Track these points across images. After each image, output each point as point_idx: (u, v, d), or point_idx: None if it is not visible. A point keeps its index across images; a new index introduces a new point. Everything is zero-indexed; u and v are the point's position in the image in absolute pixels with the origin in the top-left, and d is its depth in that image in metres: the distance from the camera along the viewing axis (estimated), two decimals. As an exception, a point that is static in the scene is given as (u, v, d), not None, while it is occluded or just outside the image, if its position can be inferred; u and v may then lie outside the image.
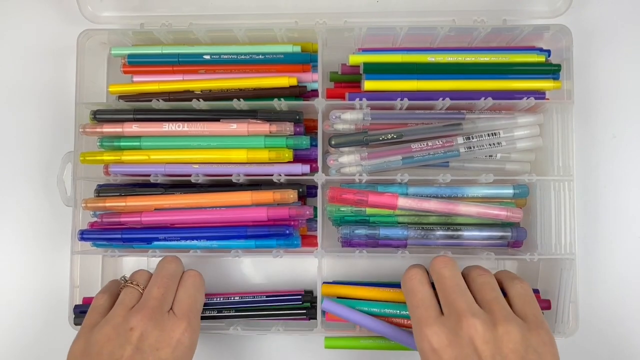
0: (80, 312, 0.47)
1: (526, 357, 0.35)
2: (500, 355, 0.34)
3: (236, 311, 0.47)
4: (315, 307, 0.47)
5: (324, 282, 0.47)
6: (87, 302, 0.47)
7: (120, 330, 0.39)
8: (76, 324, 0.47)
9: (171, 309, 0.42)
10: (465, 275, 0.42)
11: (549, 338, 0.37)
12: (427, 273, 0.43)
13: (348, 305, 0.45)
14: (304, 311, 0.47)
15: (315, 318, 0.46)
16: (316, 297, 0.48)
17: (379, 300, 0.45)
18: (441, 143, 0.47)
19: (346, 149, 0.48)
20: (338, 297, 0.46)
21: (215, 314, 0.47)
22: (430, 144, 0.47)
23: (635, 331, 0.50)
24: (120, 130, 0.47)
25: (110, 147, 0.48)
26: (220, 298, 0.47)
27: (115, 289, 0.44)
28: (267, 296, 0.47)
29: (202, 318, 0.46)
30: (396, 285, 0.45)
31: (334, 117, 0.47)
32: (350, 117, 0.47)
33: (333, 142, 0.48)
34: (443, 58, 0.48)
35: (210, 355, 0.51)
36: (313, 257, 0.46)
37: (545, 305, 0.47)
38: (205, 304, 0.46)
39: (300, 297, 0.47)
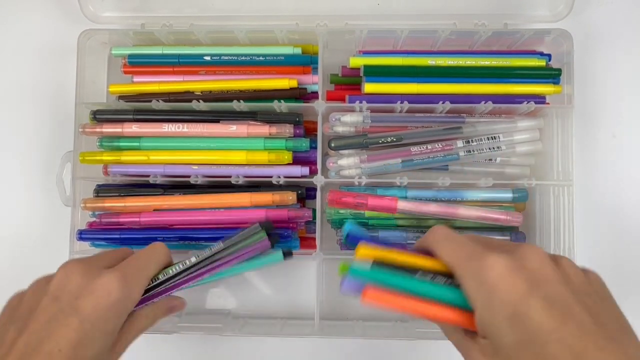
0: None
1: (597, 290, 0.30)
2: (574, 284, 0.29)
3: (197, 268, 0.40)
4: (273, 235, 0.41)
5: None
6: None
7: (44, 283, 0.34)
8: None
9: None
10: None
11: (604, 283, 0.31)
12: None
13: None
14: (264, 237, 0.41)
15: (275, 244, 0.40)
16: (272, 225, 0.42)
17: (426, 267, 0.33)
18: (441, 146, 0.47)
19: (346, 151, 0.48)
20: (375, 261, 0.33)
21: (170, 276, 0.39)
22: (430, 147, 0.47)
23: (636, 335, 0.50)
24: (120, 131, 0.47)
25: (110, 147, 0.48)
26: (178, 266, 0.39)
27: None
28: (224, 242, 0.40)
29: (159, 284, 0.38)
30: None
31: (333, 119, 0.47)
32: (350, 119, 0.47)
33: (333, 145, 0.48)
34: (444, 61, 0.48)
35: (205, 356, 0.51)
36: (311, 259, 0.46)
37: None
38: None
39: (259, 227, 0.41)
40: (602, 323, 0.27)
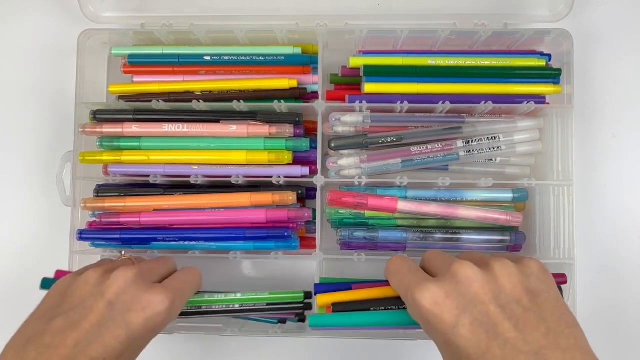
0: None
1: (531, 287, 0.32)
2: (504, 293, 0.32)
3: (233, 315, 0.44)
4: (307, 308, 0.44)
5: (317, 293, 0.41)
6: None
7: (101, 280, 0.36)
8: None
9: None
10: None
11: (543, 265, 0.34)
12: None
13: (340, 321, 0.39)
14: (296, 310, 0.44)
15: (304, 321, 0.44)
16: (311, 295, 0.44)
17: (379, 298, 0.40)
18: (441, 146, 0.47)
19: (346, 151, 0.48)
20: (334, 304, 0.40)
21: (212, 310, 0.43)
22: (430, 147, 0.47)
23: (636, 335, 0.50)
24: (120, 131, 0.47)
25: (110, 147, 0.48)
26: (221, 305, 0.43)
27: None
28: (267, 304, 0.43)
29: (198, 313, 0.42)
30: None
31: (333, 119, 0.47)
32: (350, 119, 0.47)
33: (333, 145, 0.48)
34: (444, 61, 0.48)
35: (205, 356, 0.51)
36: (312, 259, 0.46)
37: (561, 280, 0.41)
38: (203, 303, 0.43)
39: (301, 304, 0.43)
40: (528, 334, 0.30)
